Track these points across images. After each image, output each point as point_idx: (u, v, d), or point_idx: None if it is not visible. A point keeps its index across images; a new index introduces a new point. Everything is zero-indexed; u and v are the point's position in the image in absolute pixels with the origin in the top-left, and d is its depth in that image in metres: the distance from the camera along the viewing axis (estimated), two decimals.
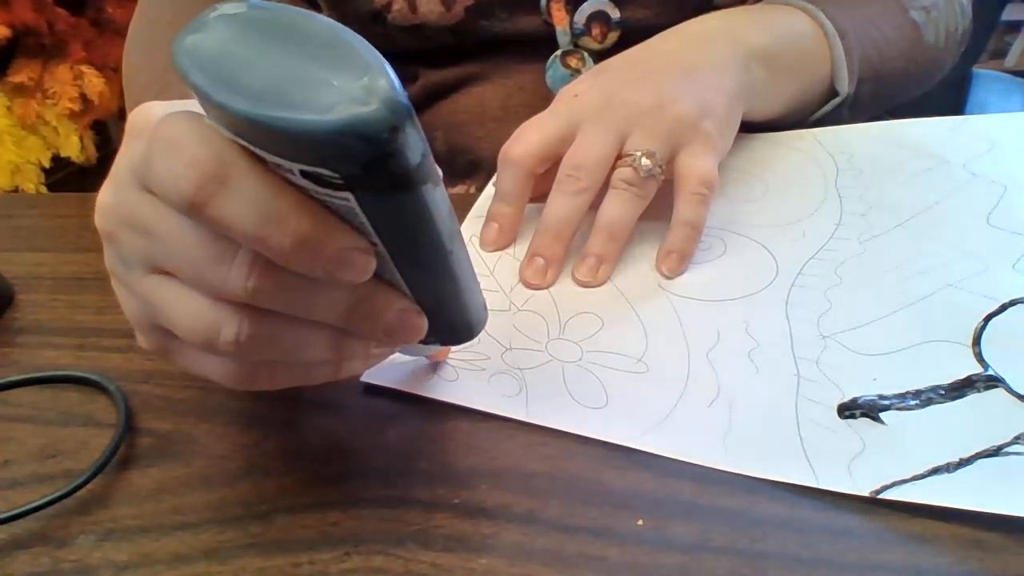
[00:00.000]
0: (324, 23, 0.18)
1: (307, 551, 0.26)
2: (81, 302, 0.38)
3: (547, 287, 0.37)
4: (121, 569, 0.26)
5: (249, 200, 0.19)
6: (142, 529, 0.27)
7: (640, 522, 0.26)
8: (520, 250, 0.39)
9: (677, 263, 0.36)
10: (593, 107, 0.38)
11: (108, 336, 0.36)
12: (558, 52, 0.51)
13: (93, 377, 0.33)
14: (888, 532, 0.25)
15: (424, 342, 0.27)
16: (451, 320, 0.26)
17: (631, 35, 0.50)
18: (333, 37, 0.17)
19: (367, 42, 0.17)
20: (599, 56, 0.51)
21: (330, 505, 0.27)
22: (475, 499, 0.27)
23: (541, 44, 0.51)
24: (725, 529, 0.26)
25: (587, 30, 0.50)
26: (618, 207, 0.36)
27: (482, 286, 0.37)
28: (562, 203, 0.36)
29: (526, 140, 0.38)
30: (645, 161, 0.36)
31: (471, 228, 0.41)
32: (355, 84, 0.17)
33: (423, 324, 0.25)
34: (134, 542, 0.26)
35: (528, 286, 0.37)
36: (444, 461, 0.29)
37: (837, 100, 0.45)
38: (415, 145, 0.18)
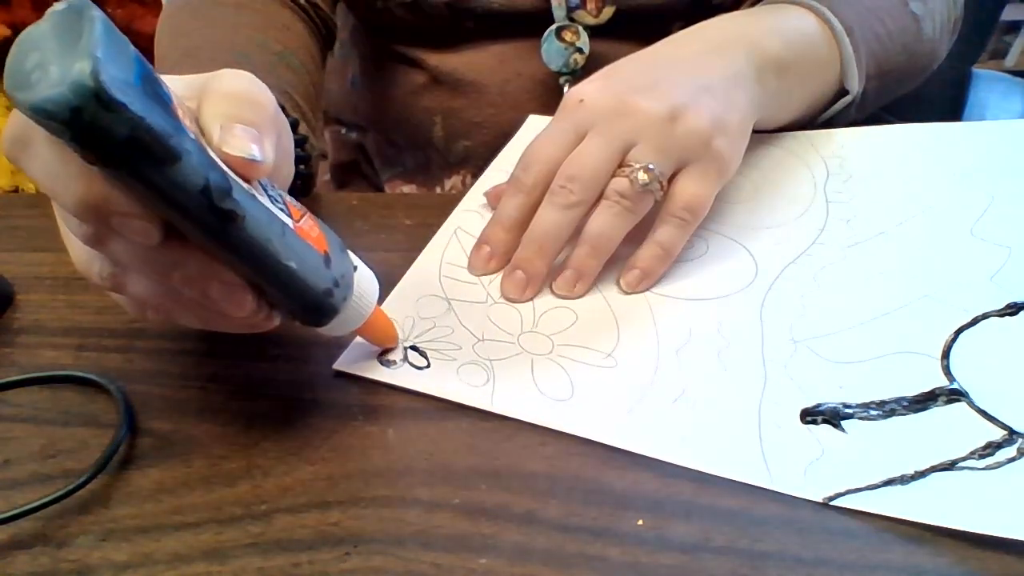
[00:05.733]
0: (99, 17, 0.20)
1: (307, 551, 0.26)
2: (81, 302, 0.38)
3: (525, 302, 0.35)
4: (121, 569, 0.26)
5: (42, 162, 0.23)
6: (142, 529, 0.27)
7: (640, 522, 0.26)
8: None
9: (637, 280, 0.35)
10: (602, 113, 0.36)
11: (108, 336, 0.35)
12: (554, 26, 0.51)
13: (93, 377, 0.32)
14: (888, 532, 0.25)
15: (295, 319, 0.28)
16: (286, 300, 0.27)
17: (626, 10, 0.51)
18: (91, 31, 0.19)
19: (114, 33, 0.20)
20: (594, 31, 0.51)
21: (330, 505, 0.27)
22: (475, 499, 0.27)
23: (537, 21, 0.51)
24: (725, 529, 0.26)
25: (582, 3, 0.50)
26: (606, 220, 0.35)
27: (459, 278, 0.37)
28: (550, 216, 0.35)
29: (540, 160, 0.36)
30: (642, 175, 0.34)
31: (457, 221, 0.41)
32: (59, 70, 0.19)
33: (245, 298, 0.26)
34: (134, 542, 0.26)
35: (506, 299, 0.36)
36: (444, 461, 0.29)
37: (848, 99, 0.44)
38: (117, 124, 0.20)
